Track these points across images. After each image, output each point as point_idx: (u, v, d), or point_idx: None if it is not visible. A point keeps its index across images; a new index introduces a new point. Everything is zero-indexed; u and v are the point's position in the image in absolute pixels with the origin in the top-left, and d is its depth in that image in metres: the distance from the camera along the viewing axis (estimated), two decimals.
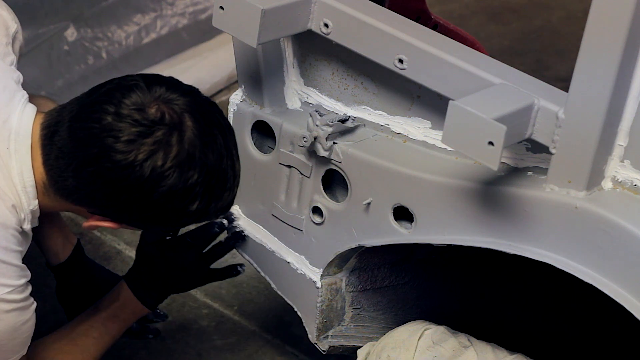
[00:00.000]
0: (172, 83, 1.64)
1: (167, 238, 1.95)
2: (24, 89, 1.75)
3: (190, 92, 1.64)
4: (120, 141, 1.57)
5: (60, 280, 2.12)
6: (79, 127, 1.60)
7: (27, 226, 1.68)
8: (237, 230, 1.97)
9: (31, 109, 1.68)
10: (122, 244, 2.50)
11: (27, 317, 1.69)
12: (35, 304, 1.71)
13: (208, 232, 1.96)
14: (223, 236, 1.98)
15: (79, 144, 1.59)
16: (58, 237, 2.09)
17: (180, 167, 1.59)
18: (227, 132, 1.66)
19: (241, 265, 2.00)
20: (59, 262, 2.10)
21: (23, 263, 1.68)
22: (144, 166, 1.57)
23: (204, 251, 1.96)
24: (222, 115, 1.67)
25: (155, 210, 1.62)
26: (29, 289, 1.69)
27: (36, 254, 2.07)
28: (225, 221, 1.95)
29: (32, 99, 1.77)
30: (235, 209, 1.98)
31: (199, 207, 1.63)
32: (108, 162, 1.57)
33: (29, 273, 1.69)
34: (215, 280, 2.05)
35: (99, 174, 1.59)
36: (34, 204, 1.67)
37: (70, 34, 2.88)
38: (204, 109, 1.64)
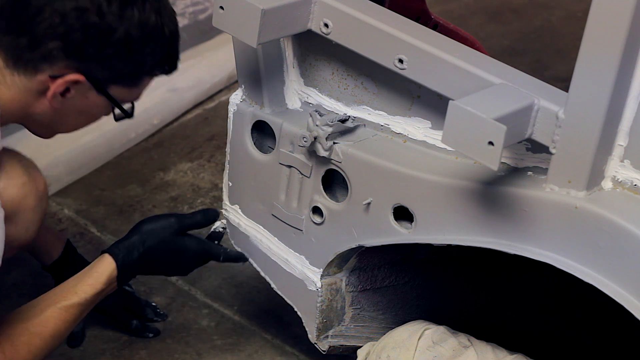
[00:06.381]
0: None
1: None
2: None
3: None
4: None
5: (58, 278, 2.12)
6: None
7: None
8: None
9: None
10: None
11: None
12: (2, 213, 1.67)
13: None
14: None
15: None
16: (46, 236, 2.09)
17: None
18: None
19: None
20: (52, 261, 2.10)
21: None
22: None
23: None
24: None
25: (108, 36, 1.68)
26: None
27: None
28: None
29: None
30: (235, 209, 1.98)
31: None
32: None
33: None
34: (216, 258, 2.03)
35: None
36: None
37: None
38: None
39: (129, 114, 1.84)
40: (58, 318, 1.82)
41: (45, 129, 1.86)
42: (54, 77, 1.70)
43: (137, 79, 1.80)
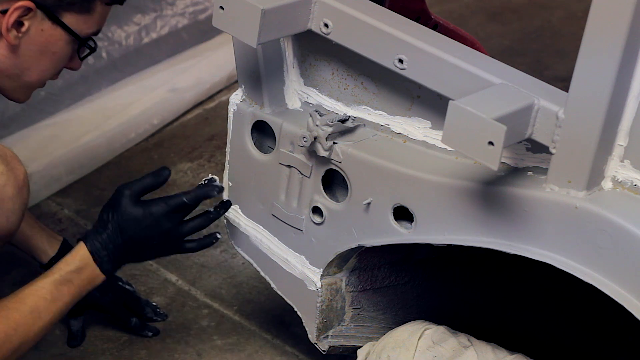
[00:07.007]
0: None
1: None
2: None
3: None
4: None
5: None
6: None
7: None
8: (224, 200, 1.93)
9: None
10: None
11: None
12: None
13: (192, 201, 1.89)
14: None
15: None
16: (41, 235, 2.10)
17: None
18: None
19: (217, 233, 1.94)
20: (50, 258, 2.10)
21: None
22: None
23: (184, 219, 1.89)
24: None
25: None
26: None
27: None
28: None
29: None
30: (235, 209, 1.98)
31: None
32: None
33: None
34: (189, 252, 1.97)
35: None
36: None
37: None
38: None
39: (91, 47, 1.89)
40: (35, 295, 1.82)
41: (13, 82, 1.90)
42: (3, 12, 1.77)
43: (88, 3, 1.85)
